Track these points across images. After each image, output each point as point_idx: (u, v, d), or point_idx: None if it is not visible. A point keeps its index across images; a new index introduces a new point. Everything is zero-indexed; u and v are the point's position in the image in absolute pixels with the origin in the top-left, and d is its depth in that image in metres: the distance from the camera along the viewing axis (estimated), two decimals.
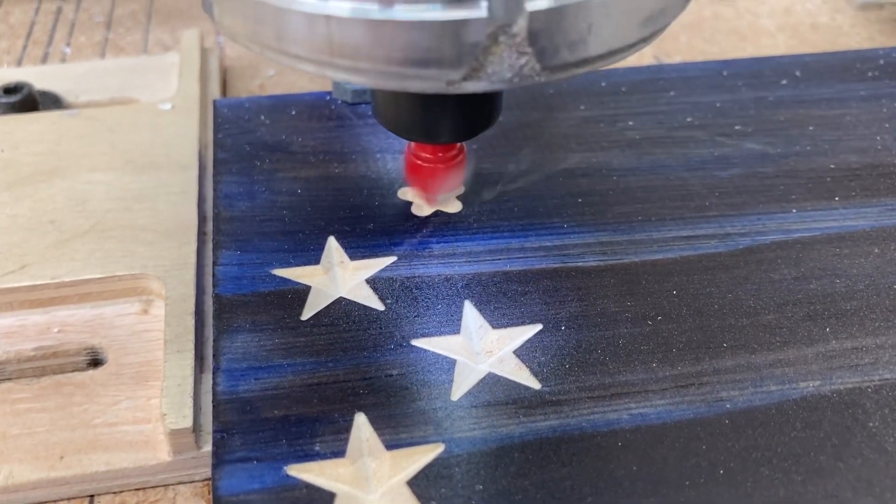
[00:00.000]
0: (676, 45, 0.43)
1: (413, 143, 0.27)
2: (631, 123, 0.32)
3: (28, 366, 0.26)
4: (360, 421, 0.22)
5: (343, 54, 0.19)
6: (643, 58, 0.42)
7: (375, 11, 0.18)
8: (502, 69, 0.19)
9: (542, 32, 0.18)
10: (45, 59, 0.41)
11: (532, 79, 0.19)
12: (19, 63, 0.40)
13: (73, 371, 0.26)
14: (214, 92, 0.37)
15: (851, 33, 0.44)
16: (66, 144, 0.32)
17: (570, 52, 0.19)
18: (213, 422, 0.22)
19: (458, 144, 0.27)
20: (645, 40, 0.21)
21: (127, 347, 0.26)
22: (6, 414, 0.25)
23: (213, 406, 0.22)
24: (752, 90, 0.34)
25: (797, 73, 0.35)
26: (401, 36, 0.18)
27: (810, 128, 0.32)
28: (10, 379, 0.26)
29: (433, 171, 0.27)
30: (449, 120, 0.25)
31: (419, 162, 0.27)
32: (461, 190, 0.29)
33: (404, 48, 0.18)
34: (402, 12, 0.18)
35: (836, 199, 0.29)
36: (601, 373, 0.23)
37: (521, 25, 0.18)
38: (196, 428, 0.24)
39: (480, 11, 0.18)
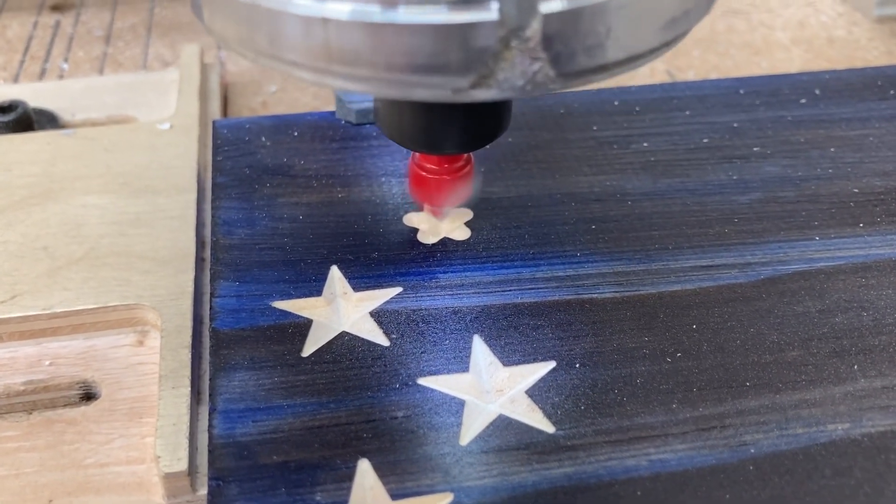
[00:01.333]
0: (689, 60, 0.42)
1: (417, 154, 0.25)
2: (645, 145, 0.31)
3: (18, 400, 0.25)
4: (364, 468, 0.21)
5: (341, 60, 0.17)
6: (656, 73, 0.41)
7: (376, 14, 0.17)
8: (514, 76, 0.17)
9: (558, 36, 0.17)
10: (42, 75, 0.40)
11: (546, 86, 0.18)
12: (15, 79, 0.39)
13: (64, 406, 0.25)
14: (214, 110, 0.36)
15: (869, 47, 0.43)
16: (60, 165, 0.31)
17: (587, 57, 0.17)
18: (209, 468, 0.21)
19: (466, 155, 0.25)
20: (668, 45, 0.19)
21: (121, 381, 0.25)
22: None
23: (209, 451, 0.21)
24: (770, 109, 0.33)
25: (816, 92, 0.34)
26: (404, 40, 0.17)
27: (831, 149, 0.31)
28: None
29: (439, 182, 0.25)
30: (456, 129, 0.23)
31: (424, 173, 0.25)
32: (468, 203, 0.27)
33: (407, 54, 0.17)
34: (405, 15, 0.16)
35: (861, 225, 0.28)
36: (618, 415, 0.22)
37: (534, 29, 0.17)
38: (192, 470, 0.22)
39: (491, 14, 0.16)
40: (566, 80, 0.18)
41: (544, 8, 0.17)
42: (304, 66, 0.18)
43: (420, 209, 0.28)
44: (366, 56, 0.17)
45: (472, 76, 0.17)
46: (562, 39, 0.17)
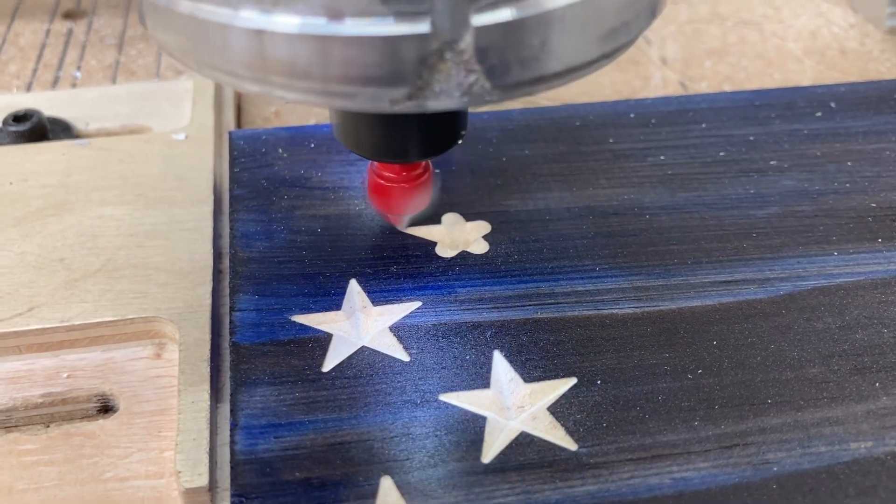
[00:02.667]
0: (702, 71, 0.42)
1: (376, 163, 0.25)
2: (662, 158, 0.31)
3: (35, 413, 0.25)
4: (387, 485, 0.21)
5: (280, 72, 0.17)
6: (668, 85, 0.41)
7: (308, 26, 0.17)
8: (450, 87, 0.17)
9: (491, 49, 0.17)
10: (55, 83, 0.40)
11: (482, 98, 0.18)
12: (29, 88, 0.39)
13: (82, 418, 0.25)
14: (229, 120, 0.35)
15: (882, 59, 0.43)
16: (76, 176, 0.31)
17: (522, 69, 0.18)
18: (231, 485, 0.21)
19: (424, 163, 0.26)
20: (607, 56, 0.19)
21: (139, 394, 0.25)
22: (12, 467, 0.23)
23: (231, 467, 0.21)
24: (786, 122, 0.33)
25: (832, 105, 0.34)
26: (340, 52, 0.17)
27: (848, 163, 0.31)
28: (16, 427, 0.25)
29: (398, 190, 0.25)
30: (411, 138, 0.23)
31: (382, 182, 0.25)
32: (424, 210, 0.27)
33: (344, 65, 0.17)
34: (341, 27, 0.17)
35: (880, 240, 0.28)
36: (641, 432, 0.22)
37: (467, 41, 0.17)
38: (212, 486, 0.22)
39: (424, 27, 0.16)
40: (503, 91, 0.18)
41: (476, 21, 0.17)
42: (244, 77, 0.18)
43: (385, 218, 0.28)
44: (304, 67, 0.17)
45: (409, 87, 0.17)
46: (495, 52, 0.17)
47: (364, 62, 0.17)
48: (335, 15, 0.17)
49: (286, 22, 0.17)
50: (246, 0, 0.17)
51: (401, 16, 0.17)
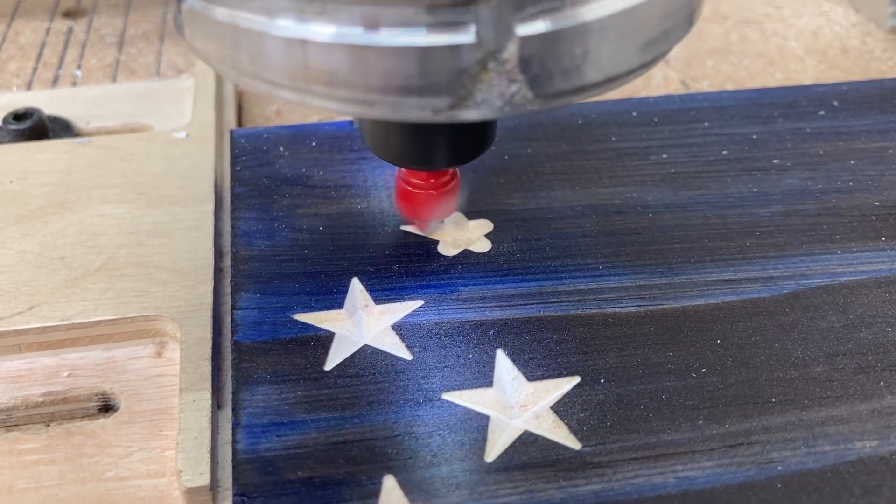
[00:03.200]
0: (703, 70, 0.42)
1: (403, 169, 0.25)
2: (665, 156, 0.31)
3: (36, 412, 0.25)
4: (390, 484, 0.20)
5: (321, 81, 0.17)
6: (670, 84, 0.41)
7: (356, 36, 0.17)
8: (492, 97, 0.17)
9: (535, 59, 0.17)
10: (55, 82, 0.40)
11: (524, 107, 0.18)
12: (29, 86, 0.39)
13: (83, 417, 0.25)
14: (230, 119, 0.35)
15: (883, 58, 0.43)
16: (76, 175, 0.31)
17: (564, 79, 0.18)
18: (234, 484, 0.21)
19: (451, 170, 0.26)
20: (645, 66, 0.19)
21: (140, 393, 0.25)
22: (13, 466, 0.23)
23: (233, 466, 0.21)
24: (789, 121, 0.33)
25: (834, 103, 0.34)
26: (383, 62, 0.17)
27: (851, 161, 0.31)
28: (17, 426, 0.25)
29: (425, 197, 0.25)
30: (442, 146, 0.23)
31: (410, 188, 0.25)
32: (451, 215, 0.27)
33: (386, 75, 0.17)
34: (384, 37, 0.17)
35: (883, 238, 0.28)
36: (645, 431, 0.22)
37: (511, 52, 0.17)
38: (213, 485, 0.22)
39: (468, 37, 0.16)
40: (544, 101, 0.18)
41: (521, 31, 0.17)
42: (284, 86, 0.18)
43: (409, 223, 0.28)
44: (345, 77, 0.17)
45: (451, 97, 0.17)
46: (539, 62, 0.17)
47: (408, 72, 0.17)
48: (378, 25, 0.17)
49: (328, 32, 0.17)
50: (286, 9, 0.17)
51: (445, 26, 0.16)
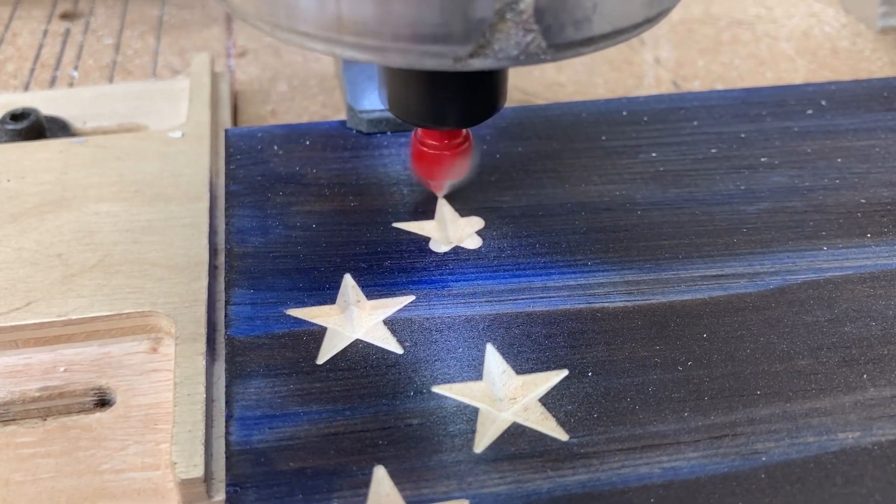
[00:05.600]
0: (695, 70, 0.42)
1: (419, 130, 0.27)
2: (654, 155, 0.31)
3: (33, 407, 0.25)
4: (380, 475, 0.21)
5: (352, 31, 0.19)
6: (662, 83, 0.41)
7: None
8: (509, 46, 0.19)
9: (548, 9, 0.19)
10: (52, 83, 0.40)
11: (538, 57, 0.19)
12: (26, 87, 0.40)
13: (79, 412, 0.25)
14: (225, 118, 0.36)
15: (873, 58, 0.44)
16: (73, 173, 0.31)
17: (575, 30, 0.19)
18: (226, 474, 0.21)
19: (465, 131, 0.27)
20: (650, 21, 0.21)
21: (135, 388, 0.25)
22: (10, 459, 0.24)
23: (226, 457, 0.21)
24: (777, 120, 0.33)
25: (822, 103, 0.34)
26: (409, 11, 0.18)
27: (838, 160, 0.31)
28: (14, 421, 0.25)
29: (439, 157, 0.27)
30: (455, 104, 0.25)
31: (425, 149, 0.27)
32: (465, 178, 0.28)
33: (412, 24, 0.19)
34: None
35: (868, 235, 0.28)
36: (631, 423, 0.22)
37: (527, 2, 0.18)
38: (207, 477, 0.23)
39: None
40: (557, 51, 0.19)
41: None
42: (316, 37, 0.20)
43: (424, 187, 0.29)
44: (373, 26, 0.19)
45: (471, 45, 0.19)
46: (552, 12, 0.19)
47: (432, 21, 0.18)
48: None
49: None
50: None
51: None
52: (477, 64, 0.19)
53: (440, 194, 0.29)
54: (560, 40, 0.19)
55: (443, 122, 0.25)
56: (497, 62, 0.19)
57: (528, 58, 0.19)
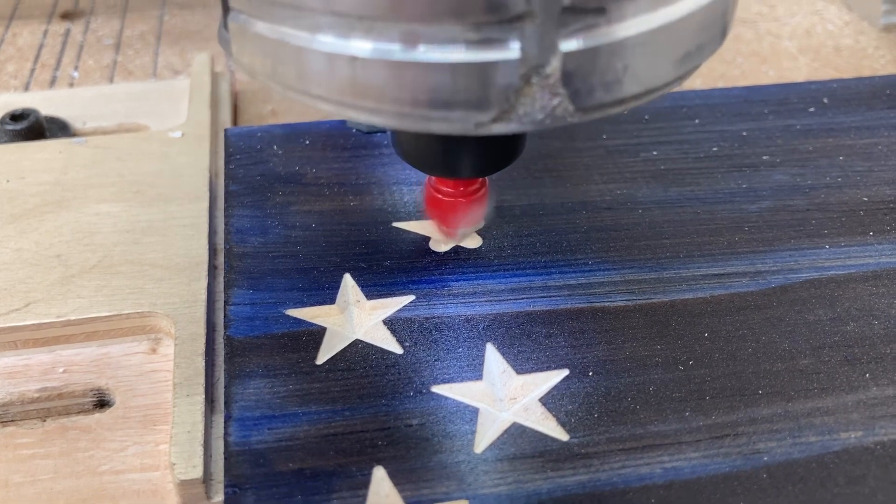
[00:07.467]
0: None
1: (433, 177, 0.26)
2: (655, 153, 0.31)
3: (32, 407, 0.25)
4: (379, 475, 0.21)
5: (366, 96, 0.18)
6: None
7: (399, 52, 0.17)
8: (534, 111, 0.18)
9: (577, 73, 0.17)
10: (52, 83, 0.40)
11: (565, 120, 0.18)
12: (26, 87, 0.40)
13: (78, 413, 0.25)
14: (225, 118, 0.36)
15: (876, 56, 0.43)
16: (73, 174, 0.31)
17: (605, 92, 0.18)
18: (225, 475, 0.21)
19: (481, 179, 0.26)
20: (681, 78, 0.19)
21: (135, 389, 0.25)
22: (9, 460, 0.24)
23: (225, 458, 0.21)
24: (779, 118, 0.33)
25: (825, 100, 0.34)
26: (427, 78, 0.17)
27: (840, 158, 0.31)
28: (13, 421, 0.25)
29: (454, 205, 0.25)
30: (473, 156, 0.24)
31: (440, 196, 0.26)
32: (481, 224, 0.28)
33: (430, 90, 0.17)
34: (428, 53, 0.17)
35: (871, 233, 0.28)
36: (632, 423, 0.22)
37: (554, 66, 0.17)
38: (206, 478, 0.23)
39: (513, 53, 0.17)
40: (584, 113, 0.18)
41: (564, 47, 0.17)
42: (329, 100, 0.18)
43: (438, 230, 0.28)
44: (390, 92, 0.18)
45: (494, 111, 0.18)
46: (581, 76, 0.18)
47: (455, 88, 0.17)
48: (426, 43, 0.17)
49: (377, 49, 0.17)
50: (334, 26, 0.17)
51: (491, 43, 0.17)
52: (499, 129, 0.18)
53: (455, 242, 0.27)
54: (588, 103, 0.18)
55: (458, 173, 0.24)
56: (521, 126, 0.18)
57: (554, 121, 0.18)
